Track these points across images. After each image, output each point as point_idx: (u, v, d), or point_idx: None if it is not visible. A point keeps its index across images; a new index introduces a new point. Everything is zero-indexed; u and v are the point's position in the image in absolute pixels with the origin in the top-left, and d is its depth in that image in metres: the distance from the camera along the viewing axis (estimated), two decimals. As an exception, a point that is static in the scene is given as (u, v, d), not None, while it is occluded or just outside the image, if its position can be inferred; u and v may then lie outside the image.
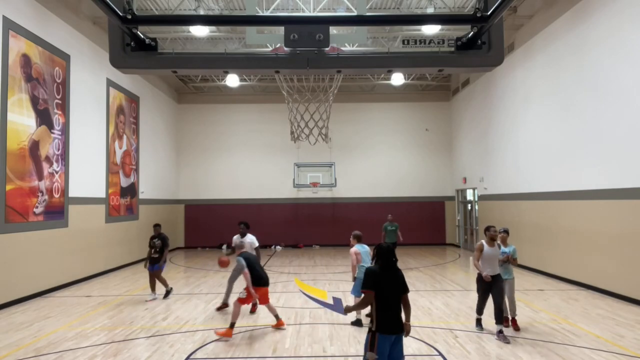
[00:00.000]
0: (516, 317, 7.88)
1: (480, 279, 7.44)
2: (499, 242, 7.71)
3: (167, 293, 10.59)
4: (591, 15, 10.97)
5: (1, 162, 9.84)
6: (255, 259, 8.09)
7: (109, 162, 14.98)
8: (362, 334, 7.48)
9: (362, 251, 8.14)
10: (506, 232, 8.08)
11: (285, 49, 2.96)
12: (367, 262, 7.90)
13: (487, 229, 7.69)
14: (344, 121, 21.83)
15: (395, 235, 14.86)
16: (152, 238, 10.62)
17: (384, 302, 4.43)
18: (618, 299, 9.81)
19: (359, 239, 8.36)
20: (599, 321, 8.19)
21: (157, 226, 10.78)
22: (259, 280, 7.65)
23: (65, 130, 12.29)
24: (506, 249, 7.82)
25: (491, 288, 7.32)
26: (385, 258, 4.57)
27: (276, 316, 7.81)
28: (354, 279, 8.06)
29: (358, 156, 22.35)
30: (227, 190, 22.26)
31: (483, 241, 7.59)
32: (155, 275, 10.49)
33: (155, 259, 10.44)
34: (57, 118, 11.92)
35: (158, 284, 10.63)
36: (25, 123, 10.66)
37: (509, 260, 7.75)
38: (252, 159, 22.33)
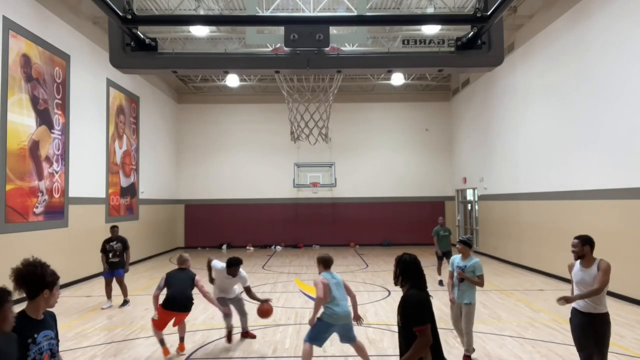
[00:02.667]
0: (471, 355, 6.21)
1: (571, 317, 4.88)
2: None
3: (125, 302, 9.78)
4: (591, 15, 10.97)
5: (1, 162, 9.84)
6: (184, 278, 6.64)
7: (109, 162, 14.98)
8: (361, 334, 7.47)
9: (333, 282, 5.63)
10: (463, 242, 6.32)
11: (285, 49, 2.95)
12: (340, 299, 5.56)
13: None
14: (344, 121, 21.84)
15: (449, 243, 12.31)
16: (108, 241, 9.79)
17: (435, 335, 3.48)
18: (618, 299, 9.81)
19: (327, 265, 5.83)
20: (599, 321, 8.18)
21: (114, 228, 9.98)
22: (169, 302, 6.39)
23: (65, 130, 12.30)
24: (462, 263, 6.22)
25: (584, 333, 4.69)
26: (421, 275, 3.58)
27: (181, 338, 6.74)
28: (313, 321, 5.58)
29: (358, 156, 22.36)
30: (227, 190, 22.26)
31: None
32: (119, 281, 9.74)
33: (116, 264, 9.68)
34: (57, 118, 11.92)
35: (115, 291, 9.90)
36: (25, 123, 10.66)
37: (466, 279, 6.11)
38: (252, 159, 22.33)
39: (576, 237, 4.85)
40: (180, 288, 6.53)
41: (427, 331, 3.37)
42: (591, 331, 4.62)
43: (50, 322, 2.96)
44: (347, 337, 5.68)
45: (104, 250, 9.76)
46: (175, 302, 6.44)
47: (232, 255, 7.07)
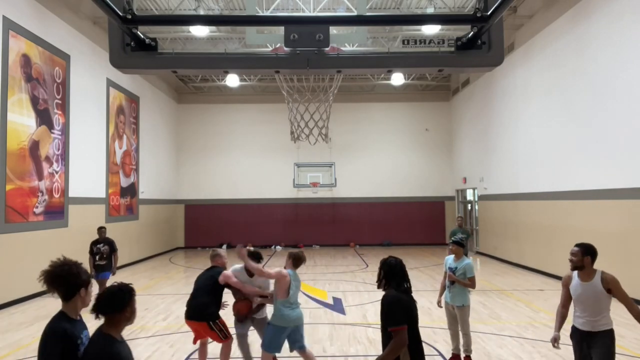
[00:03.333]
0: (470, 355, 6.10)
1: (571, 334, 4.43)
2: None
3: None
4: (591, 14, 10.97)
5: (1, 162, 9.84)
6: (204, 279, 5.57)
7: (109, 162, 14.98)
8: (361, 334, 7.48)
9: (295, 283, 5.32)
10: (457, 243, 6.23)
11: (285, 49, 2.95)
12: (294, 301, 5.30)
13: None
14: (344, 121, 21.83)
15: (467, 246, 10.89)
16: (95, 243, 9.43)
17: (416, 340, 3.38)
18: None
19: (296, 263, 5.39)
20: (599, 321, 8.18)
21: (102, 229, 9.62)
22: (186, 308, 5.55)
23: (65, 130, 12.30)
24: (454, 265, 6.14)
25: (582, 354, 4.24)
26: (403, 277, 3.48)
27: None
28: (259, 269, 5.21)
29: (358, 156, 22.35)
30: (227, 190, 22.26)
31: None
32: (103, 284, 9.22)
33: (103, 266, 9.30)
34: (57, 118, 11.92)
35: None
36: (25, 123, 10.66)
37: (456, 281, 6.04)
38: (252, 159, 22.33)
39: (577, 245, 4.22)
40: (195, 291, 5.50)
41: (402, 332, 3.25)
42: (590, 352, 4.06)
43: (84, 321, 2.92)
44: (298, 343, 5.30)
45: (92, 252, 9.39)
46: (187, 308, 5.47)
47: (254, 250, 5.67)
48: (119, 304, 2.67)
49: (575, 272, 4.23)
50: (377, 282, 3.56)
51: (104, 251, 9.38)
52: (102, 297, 2.70)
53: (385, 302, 3.39)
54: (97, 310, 2.67)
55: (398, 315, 3.29)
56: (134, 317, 2.75)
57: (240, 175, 22.33)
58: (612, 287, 4.12)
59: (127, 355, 2.68)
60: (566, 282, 4.34)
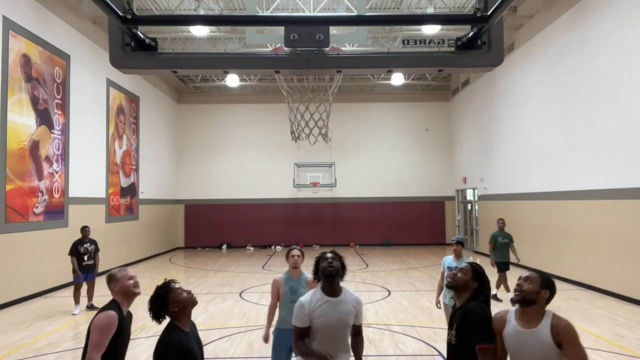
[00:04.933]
0: None
1: None
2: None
3: (93, 307, 9.20)
4: (591, 15, 10.97)
5: (1, 162, 9.84)
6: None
7: (109, 162, 14.98)
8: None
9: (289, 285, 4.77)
10: (459, 243, 6.26)
11: (285, 49, 2.95)
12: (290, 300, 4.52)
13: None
14: (344, 121, 21.82)
15: (509, 251, 10.16)
16: (80, 243, 9.18)
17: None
18: (618, 299, 9.81)
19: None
20: (599, 321, 8.18)
21: (86, 228, 9.39)
22: None
23: (65, 130, 12.30)
24: (454, 264, 6.07)
25: None
26: (489, 289, 3.12)
27: None
28: (267, 335, 4.87)
29: (358, 156, 22.35)
30: (227, 190, 22.25)
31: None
32: (91, 284, 9.22)
33: (89, 267, 9.14)
34: (57, 118, 11.92)
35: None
36: (25, 123, 10.66)
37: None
38: (252, 159, 22.33)
39: (534, 272, 2.96)
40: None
41: (490, 352, 2.81)
42: None
43: None
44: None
45: (77, 253, 9.09)
46: None
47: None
48: (160, 308, 3.00)
49: (513, 312, 2.94)
50: (458, 282, 3.09)
51: (91, 250, 9.29)
52: (149, 307, 3.05)
53: (475, 315, 2.93)
54: (153, 318, 3.03)
55: (489, 332, 2.87)
56: (185, 305, 2.99)
57: (240, 175, 22.33)
58: (564, 340, 2.67)
59: (188, 342, 2.88)
60: (498, 327, 2.94)
